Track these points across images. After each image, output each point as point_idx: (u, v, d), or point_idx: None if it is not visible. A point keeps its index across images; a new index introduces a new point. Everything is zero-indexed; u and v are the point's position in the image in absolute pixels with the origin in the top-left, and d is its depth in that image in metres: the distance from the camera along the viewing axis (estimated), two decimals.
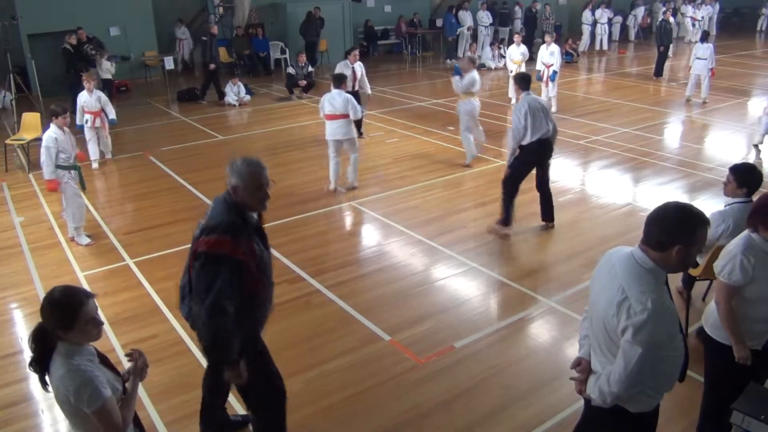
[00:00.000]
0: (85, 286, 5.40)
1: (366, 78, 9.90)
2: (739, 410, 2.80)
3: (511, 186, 6.24)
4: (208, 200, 7.37)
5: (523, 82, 6.35)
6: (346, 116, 7.24)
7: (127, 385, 2.43)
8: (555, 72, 11.17)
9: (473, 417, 3.75)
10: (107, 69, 11.89)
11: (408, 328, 4.68)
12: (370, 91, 10.13)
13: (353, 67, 9.58)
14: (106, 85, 12.03)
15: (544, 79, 11.35)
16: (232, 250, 2.73)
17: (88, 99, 8.47)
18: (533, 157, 6.20)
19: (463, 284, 5.37)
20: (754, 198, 4.12)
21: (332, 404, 3.90)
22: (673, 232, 2.25)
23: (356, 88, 9.72)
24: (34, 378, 4.22)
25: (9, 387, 4.14)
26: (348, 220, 6.88)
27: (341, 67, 9.52)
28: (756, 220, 3.00)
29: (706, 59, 11.63)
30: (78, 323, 2.23)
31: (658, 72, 14.59)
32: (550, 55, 11.30)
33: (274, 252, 5.97)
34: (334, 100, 7.25)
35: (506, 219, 6.28)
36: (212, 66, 12.72)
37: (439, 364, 4.25)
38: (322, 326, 4.76)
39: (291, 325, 4.77)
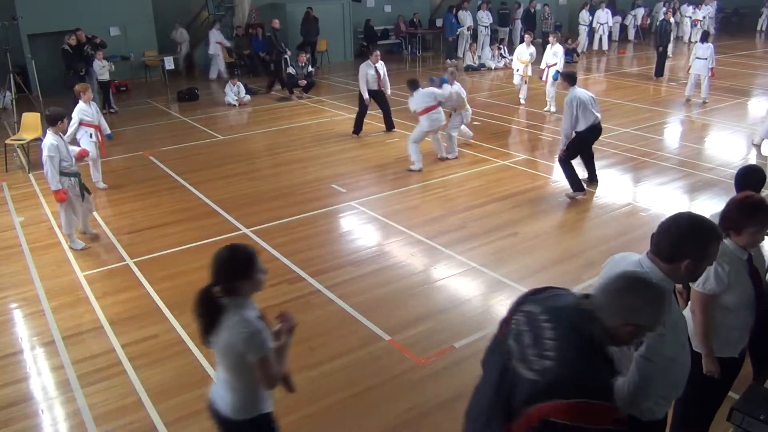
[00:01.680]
0: (85, 286, 5.42)
1: (387, 78, 10.08)
2: (739, 410, 2.80)
3: (566, 162, 7.08)
4: (208, 200, 7.39)
5: (571, 78, 7.23)
6: (437, 106, 8.16)
7: (278, 342, 2.60)
8: (558, 72, 11.08)
9: None
10: (103, 69, 11.82)
11: (408, 328, 4.68)
12: (389, 91, 10.24)
13: (376, 67, 9.76)
14: (102, 87, 12.04)
15: (544, 78, 11.35)
16: (613, 423, 1.78)
17: (88, 110, 7.49)
18: (588, 141, 7.23)
19: (463, 284, 5.37)
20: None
21: (332, 404, 3.90)
22: (685, 245, 2.18)
23: (381, 88, 9.91)
24: (34, 378, 4.24)
25: (9, 387, 4.14)
26: (348, 220, 6.88)
27: (364, 68, 9.72)
28: (727, 226, 2.89)
29: (706, 59, 11.63)
30: (255, 272, 2.53)
31: (659, 72, 14.60)
32: (553, 55, 11.27)
33: (274, 252, 6.02)
34: (426, 95, 8.14)
35: (577, 185, 7.11)
36: (286, 55, 13.54)
37: (439, 364, 4.25)
38: (322, 326, 4.75)
39: None
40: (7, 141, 9.09)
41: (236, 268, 2.51)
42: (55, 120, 5.92)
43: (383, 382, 4.10)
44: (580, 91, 7.09)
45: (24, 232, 6.65)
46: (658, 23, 15.74)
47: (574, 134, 7.10)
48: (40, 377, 4.24)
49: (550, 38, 11.76)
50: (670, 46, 15.75)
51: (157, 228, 6.66)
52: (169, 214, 7.06)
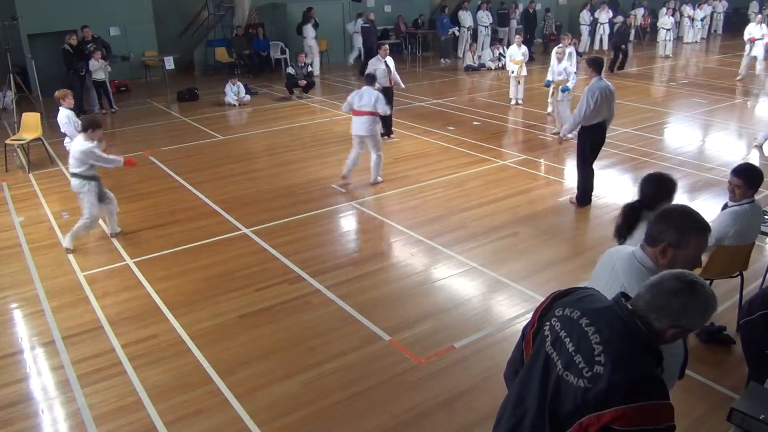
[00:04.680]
0: (85, 286, 5.42)
1: (397, 73, 9.78)
2: (739, 410, 2.80)
3: (586, 169, 6.83)
4: (208, 200, 7.39)
5: (596, 65, 6.63)
6: (372, 113, 7.40)
7: None
8: (567, 87, 9.74)
9: (473, 417, 3.75)
10: (99, 69, 11.81)
11: (408, 328, 4.68)
12: (403, 85, 10.10)
13: (385, 61, 9.47)
14: (99, 87, 12.04)
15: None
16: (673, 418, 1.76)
17: (72, 116, 7.33)
18: (597, 138, 6.68)
19: (463, 284, 5.37)
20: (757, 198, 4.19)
21: (332, 404, 3.90)
22: (664, 229, 2.23)
23: (391, 84, 9.62)
24: (34, 378, 4.24)
25: (9, 387, 4.13)
26: (348, 220, 6.88)
27: (375, 62, 9.48)
28: None
29: None
30: (673, 196, 3.40)
31: (614, 67, 15.50)
32: (568, 56, 10.98)
33: (274, 252, 6.03)
34: (363, 96, 7.42)
35: (586, 199, 6.95)
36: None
37: (439, 364, 4.25)
38: (322, 326, 4.76)
39: (291, 325, 4.78)
40: (7, 141, 9.08)
41: (663, 192, 3.38)
42: (88, 127, 5.88)
43: (383, 382, 4.10)
44: (603, 83, 6.44)
45: (24, 232, 6.64)
46: (618, 25, 16.67)
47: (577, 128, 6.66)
48: (40, 377, 4.24)
49: (564, 40, 11.22)
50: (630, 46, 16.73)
51: (157, 228, 6.66)
52: (169, 214, 7.06)
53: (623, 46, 15.71)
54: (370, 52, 14.39)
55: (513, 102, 12.09)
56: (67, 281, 5.55)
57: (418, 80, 15.26)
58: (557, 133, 9.82)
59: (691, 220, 2.22)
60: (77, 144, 5.93)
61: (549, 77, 10.21)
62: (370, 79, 7.71)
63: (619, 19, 20.08)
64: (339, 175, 7.91)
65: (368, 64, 9.64)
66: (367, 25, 16.03)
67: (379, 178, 7.83)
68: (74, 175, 5.97)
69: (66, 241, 6.13)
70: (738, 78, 13.71)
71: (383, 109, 7.44)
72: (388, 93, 9.68)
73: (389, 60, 9.54)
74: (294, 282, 5.42)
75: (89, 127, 5.91)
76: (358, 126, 7.49)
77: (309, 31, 15.94)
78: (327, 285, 5.34)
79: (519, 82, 11.97)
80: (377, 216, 6.86)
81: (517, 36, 12.54)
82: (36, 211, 7.25)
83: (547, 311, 2.08)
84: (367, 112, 7.39)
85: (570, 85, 9.72)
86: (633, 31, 16.19)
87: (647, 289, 1.86)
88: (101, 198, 6.16)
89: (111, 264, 5.86)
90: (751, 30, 13.85)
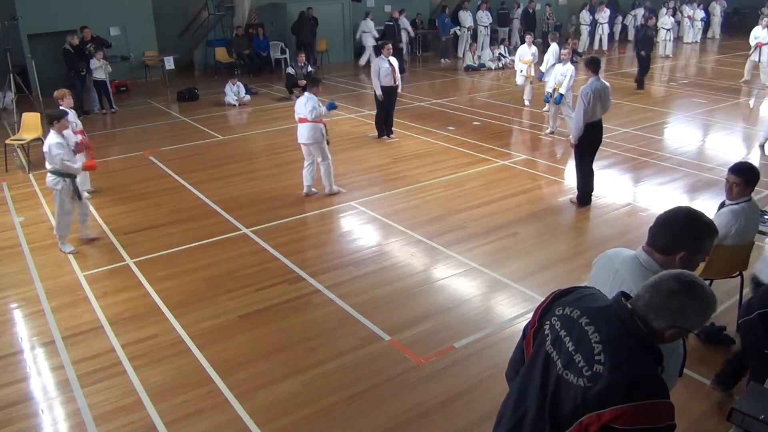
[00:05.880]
0: (85, 286, 5.42)
1: (399, 73, 9.71)
2: (739, 410, 2.80)
3: (584, 168, 6.83)
4: (208, 200, 7.39)
5: (594, 65, 6.69)
6: (314, 121, 7.11)
7: None
8: (561, 95, 9.59)
9: (473, 417, 3.75)
10: (99, 68, 11.80)
11: (408, 328, 4.68)
12: (399, 89, 10.04)
13: (389, 61, 9.44)
14: (99, 87, 12.05)
15: (544, 80, 11.18)
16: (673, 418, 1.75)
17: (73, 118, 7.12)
18: (593, 137, 6.70)
19: (463, 284, 5.37)
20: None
21: (332, 404, 3.90)
22: (680, 238, 2.21)
23: (396, 83, 9.60)
24: (34, 378, 4.24)
25: (9, 387, 4.13)
26: (348, 220, 6.88)
27: (378, 62, 9.49)
28: None
29: None
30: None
31: (641, 84, 13.52)
32: (553, 55, 11.03)
33: (274, 252, 6.03)
34: (301, 103, 7.17)
35: (586, 199, 6.95)
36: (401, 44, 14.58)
37: (439, 364, 4.25)
38: (322, 326, 4.76)
39: (291, 325, 4.78)
40: (7, 141, 9.08)
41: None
42: (52, 120, 5.85)
43: (383, 382, 4.10)
44: (599, 83, 6.51)
45: (24, 232, 6.64)
46: (635, 29, 15.37)
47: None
48: (40, 377, 4.25)
49: (549, 39, 11.58)
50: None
51: (157, 228, 6.65)
52: (169, 214, 7.06)
53: (643, 53, 13.31)
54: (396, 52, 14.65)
55: (527, 102, 12.04)
56: (67, 281, 5.56)
57: (418, 80, 15.26)
58: (552, 133, 9.87)
59: (703, 224, 2.23)
60: (47, 140, 5.89)
61: (548, 89, 10.00)
62: (313, 83, 7.34)
63: (619, 19, 20.15)
64: (339, 174, 7.91)
65: (372, 63, 9.66)
66: (390, 23, 16.72)
67: (335, 188, 7.46)
68: (49, 171, 5.90)
69: (62, 246, 6.12)
70: (742, 80, 13.65)
71: (310, 114, 7.02)
72: (392, 92, 9.72)
73: (393, 60, 9.54)
74: (294, 282, 5.42)
75: (52, 120, 5.87)
76: (300, 134, 7.24)
77: (368, 25, 17.09)
78: (327, 285, 5.34)
79: (531, 82, 11.93)
80: (377, 216, 6.86)
81: (528, 36, 12.35)
82: (36, 211, 7.25)
83: (547, 310, 2.09)
84: (305, 119, 7.13)
85: (563, 90, 9.50)
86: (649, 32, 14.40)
87: (646, 290, 1.86)
88: (78, 197, 6.06)
89: (111, 264, 5.86)
90: (758, 34, 13.15)
